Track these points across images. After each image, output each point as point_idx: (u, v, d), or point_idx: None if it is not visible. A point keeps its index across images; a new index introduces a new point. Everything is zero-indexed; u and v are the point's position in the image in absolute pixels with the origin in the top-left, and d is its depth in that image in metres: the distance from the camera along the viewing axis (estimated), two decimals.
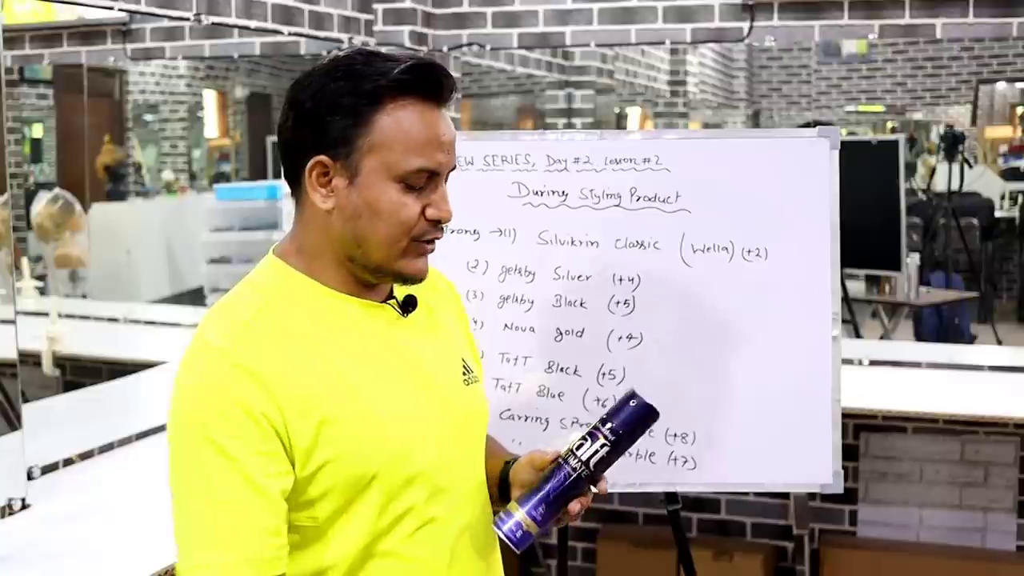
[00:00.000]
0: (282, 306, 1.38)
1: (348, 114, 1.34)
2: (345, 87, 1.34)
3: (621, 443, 1.44)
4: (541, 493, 1.42)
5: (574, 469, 1.42)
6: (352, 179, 1.35)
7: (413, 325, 1.47)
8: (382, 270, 1.40)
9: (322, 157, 1.35)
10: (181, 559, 1.30)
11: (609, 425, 1.44)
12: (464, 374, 1.52)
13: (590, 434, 1.44)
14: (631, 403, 1.45)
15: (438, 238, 1.42)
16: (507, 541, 1.43)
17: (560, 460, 1.44)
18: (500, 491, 1.55)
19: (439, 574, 1.45)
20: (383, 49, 1.44)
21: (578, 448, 1.43)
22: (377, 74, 1.34)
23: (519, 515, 1.42)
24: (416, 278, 1.41)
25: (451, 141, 1.39)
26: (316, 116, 1.35)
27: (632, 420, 1.45)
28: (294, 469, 1.31)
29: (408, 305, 1.47)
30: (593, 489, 1.45)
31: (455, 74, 3.87)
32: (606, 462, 1.43)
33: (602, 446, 1.43)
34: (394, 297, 1.47)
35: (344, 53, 1.40)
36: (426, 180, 1.37)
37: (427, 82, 1.35)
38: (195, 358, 1.35)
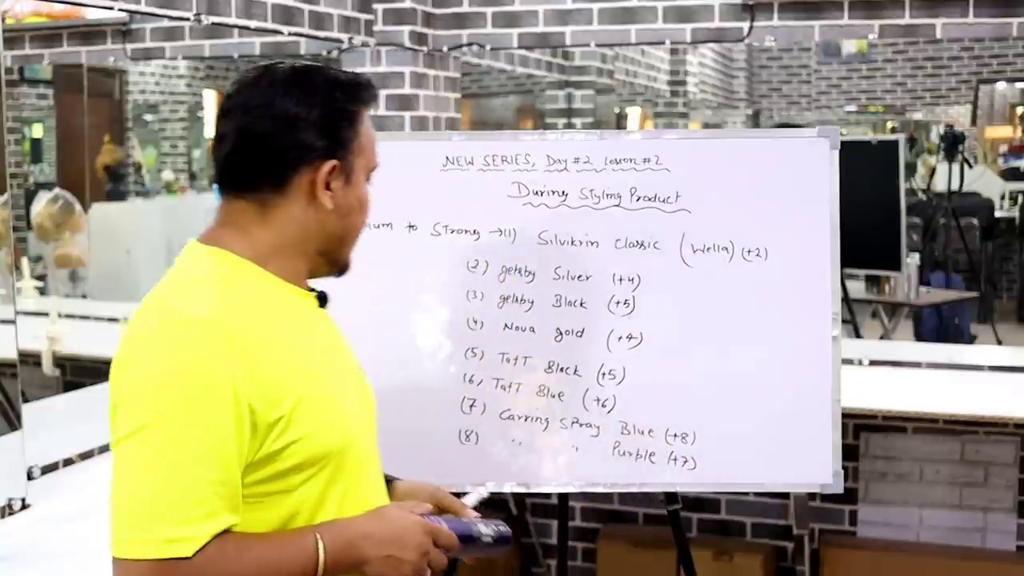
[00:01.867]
0: (243, 287, 1.42)
1: (352, 121, 1.47)
2: (343, 96, 1.47)
3: (495, 547, 1.61)
4: (453, 524, 1.55)
5: (476, 531, 1.57)
6: (348, 179, 1.48)
7: (324, 318, 1.57)
8: (339, 260, 1.54)
9: (334, 161, 1.45)
10: (129, 528, 1.29)
11: (498, 530, 1.61)
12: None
13: (490, 525, 1.61)
14: (509, 535, 1.63)
15: None
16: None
17: (475, 520, 1.60)
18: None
19: None
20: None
21: (479, 524, 1.59)
22: (358, 84, 1.50)
23: (442, 523, 1.53)
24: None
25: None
26: (327, 123, 1.44)
27: (505, 541, 1.62)
28: (264, 444, 1.35)
29: (324, 299, 1.56)
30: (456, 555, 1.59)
31: (455, 74, 3.88)
32: (486, 547, 1.60)
33: (491, 538, 1.59)
34: (313, 290, 1.54)
35: (304, 64, 1.49)
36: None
37: (373, 91, 1.53)
38: (168, 328, 1.35)
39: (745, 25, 3.50)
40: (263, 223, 1.45)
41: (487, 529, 1.58)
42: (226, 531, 1.31)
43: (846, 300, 4.85)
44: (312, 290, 1.53)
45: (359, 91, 1.49)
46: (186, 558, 1.26)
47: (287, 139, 1.43)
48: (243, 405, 1.32)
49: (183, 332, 1.33)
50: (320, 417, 1.41)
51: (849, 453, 3.55)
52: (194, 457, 1.29)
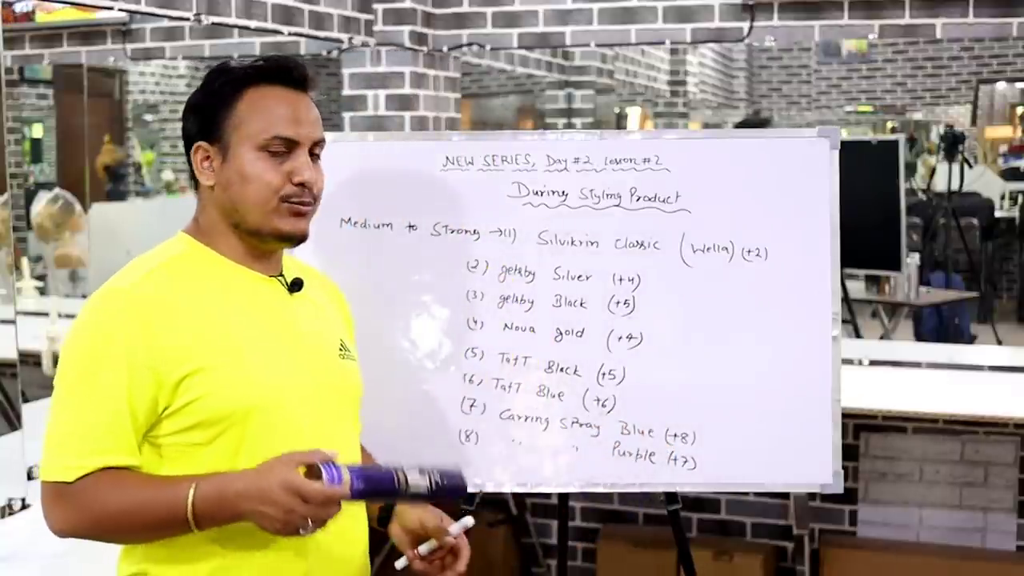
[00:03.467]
0: (182, 266, 1.62)
1: (216, 103, 1.62)
2: (213, 84, 1.64)
3: (432, 499, 1.57)
4: (370, 474, 1.53)
5: (399, 482, 1.53)
6: (225, 156, 1.61)
7: (297, 303, 1.70)
8: (261, 231, 1.62)
9: (202, 143, 1.63)
10: (43, 457, 1.54)
11: (438, 482, 1.56)
12: (340, 350, 1.74)
13: (428, 474, 1.56)
14: (459, 484, 1.59)
15: (307, 202, 1.63)
16: (324, 476, 1.48)
17: (395, 469, 1.55)
18: (380, 515, 1.78)
19: (287, 544, 1.59)
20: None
21: (412, 472, 1.55)
22: (238, 69, 1.63)
23: (345, 473, 1.49)
24: (294, 235, 1.64)
25: (306, 117, 1.63)
26: (195, 110, 1.65)
27: (449, 492, 1.58)
28: (172, 399, 1.53)
29: (295, 285, 1.70)
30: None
31: (455, 74, 3.88)
32: (416, 498, 1.57)
33: (426, 489, 1.55)
34: (283, 275, 1.69)
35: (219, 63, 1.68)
36: (286, 148, 1.61)
37: (277, 70, 1.63)
38: (94, 298, 1.59)
39: (745, 25, 3.50)
40: (199, 205, 1.68)
41: (419, 479, 1.55)
42: (113, 468, 1.51)
43: (846, 300, 4.85)
44: (281, 275, 1.69)
45: (246, 72, 1.62)
46: (67, 482, 1.50)
47: (183, 129, 1.67)
48: (138, 362, 1.51)
49: (100, 302, 1.57)
50: (223, 381, 1.54)
51: (849, 453, 3.55)
52: (87, 404, 1.52)
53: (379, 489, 1.54)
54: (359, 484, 1.49)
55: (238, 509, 1.48)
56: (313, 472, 1.46)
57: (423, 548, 1.73)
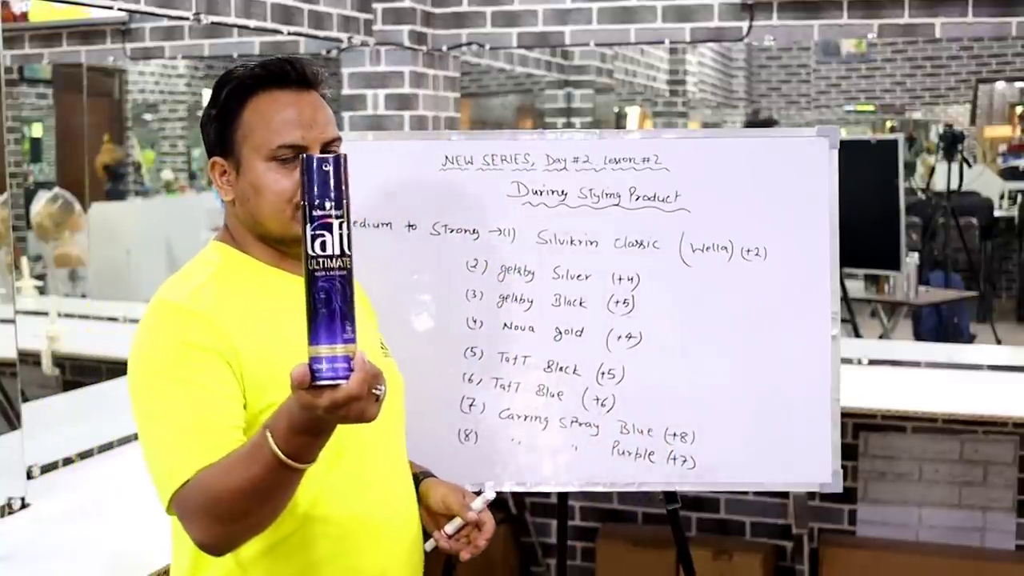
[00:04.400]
0: (229, 273, 1.60)
1: (224, 116, 1.59)
2: (219, 97, 1.59)
3: (349, 206, 1.29)
4: (336, 318, 1.27)
5: (330, 269, 1.27)
6: (239, 170, 1.59)
7: None
8: (285, 239, 1.59)
9: (217, 158, 1.60)
10: (161, 489, 1.46)
11: (331, 202, 1.28)
12: (382, 348, 1.73)
13: (317, 232, 1.27)
14: (332, 167, 1.28)
15: None
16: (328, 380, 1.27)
17: (310, 273, 1.27)
18: None
19: (357, 536, 1.59)
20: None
21: (316, 245, 1.27)
22: (235, 79, 1.59)
23: (323, 351, 1.26)
24: None
25: (313, 118, 1.58)
26: (207, 124, 1.62)
27: (343, 177, 1.29)
28: (246, 403, 1.49)
29: None
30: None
31: (454, 73, 3.88)
32: (350, 239, 1.29)
33: (340, 225, 1.28)
34: None
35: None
36: (295, 155, 1.54)
37: (275, 74, 1.58)
38: (152, 314, 1.54)
39: (744, 25, 3.50)
40: (226, 215, 1.66)
41: (321, 249, 1.28)
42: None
43: (845, 299, 4.86)
44: None
45: (247, 80, 1.57)
46: (176, 493, 1.43)
47: (204, 143, 1.63)
48: (217, 361, 1.48)
49: (159, 316, 1.53)
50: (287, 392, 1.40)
51: (848, 452, 3.55)
52: (176, 414, 1.46)
53: (332, 300, 1.27)
54: (327, 334, 1.26)
55: (308, 421, 1.32)
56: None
57: (449, 527, 1.74)
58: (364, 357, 1.27)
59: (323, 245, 1.27)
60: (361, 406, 1.28)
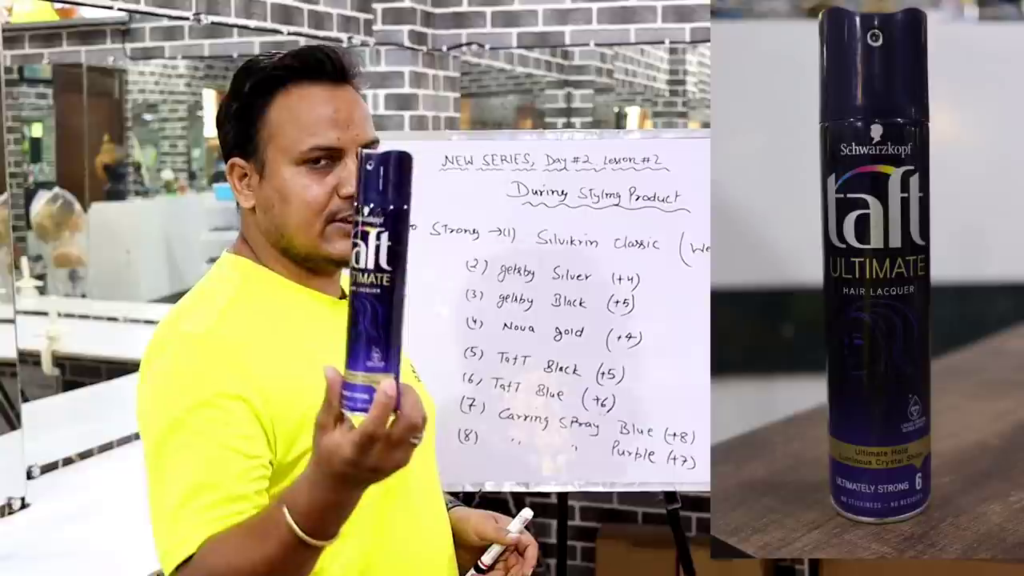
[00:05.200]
0: (252, 294, 1.39)
1: (246, 112, 1.39)
2: (241, 89, 1.39)
3: (399, 215, 1.13)
4: (360, 341, 1.11)
5: (361, 284, 1.12)
6: (262, 173, 1.38)
7: None
8: (311, 257, 1.39)
9: (237, 159, 1.40)
10: (164, 559, 1.25)
11: (369, 207, 1.11)
12: (413, 371, 1.55)
13: (355, 238, 1.12)
14: (376, 166, 1.12)
15: None
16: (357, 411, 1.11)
17: (351, 292, 1.13)
18: None
19: (396, 570, 1.41)
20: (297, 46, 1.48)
21: (353, 255, 1.12)
22: (265, 69, 1.38)
23: (358, 379, 1.11)
24: (345, 260, 1.28)
25: (349, 116, 1.38)
26: (226, 119, 1.41)
27: (392, 179, 1.12)
28: (276, 454, 1.30)
29: None
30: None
31: (454, 73, 3.88)
32: (395, 253, 1.14)
33: (379, 235, 1.12)
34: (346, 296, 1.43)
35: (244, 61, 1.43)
36: (329, 158, 1.37)
37: (309, 65, 1.38)
38: (167, 349, 1.33)
39: None
40: (243, 224, 1.45)
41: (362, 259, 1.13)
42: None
43: None
44: (344, 296, 1.43)
45: (274, 72, 1.38)
46: (188, 559, 1.23)
47: (219, 141, 1.43)
48: (238, 403, 1.27)
49: (175, 349, 1.33)
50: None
51: None
52: (188, 463, 1.26)
53: (385, 319, 1.13)
54: (371, 359, 1.11)
55: (328, 495, 1.16)
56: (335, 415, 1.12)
57: (487, 557, 1.55)
58: (390, 392, 1.08)
59: (357, 256, 1.12)
60: (380, 449, 1.10)
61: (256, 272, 1.41)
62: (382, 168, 1.11)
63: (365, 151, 1.12)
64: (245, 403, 1.28)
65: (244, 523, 1.22)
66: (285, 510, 1.16)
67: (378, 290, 1.12)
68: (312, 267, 1.41)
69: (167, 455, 1.28)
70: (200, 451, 1.26)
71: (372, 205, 1.11)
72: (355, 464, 1.11)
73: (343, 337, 1.13)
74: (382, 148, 1.11)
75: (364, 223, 1.11)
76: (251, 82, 1.39)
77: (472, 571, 1.55)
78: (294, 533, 1.15)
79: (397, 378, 1.10)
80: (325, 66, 1.39)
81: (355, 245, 1.11)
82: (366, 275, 1.11)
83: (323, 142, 1.36)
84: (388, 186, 1.11)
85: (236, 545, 1.21)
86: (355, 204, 1.12)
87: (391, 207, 1.11)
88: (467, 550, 1.56)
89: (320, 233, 1.37)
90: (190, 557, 1.22)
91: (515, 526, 1.55)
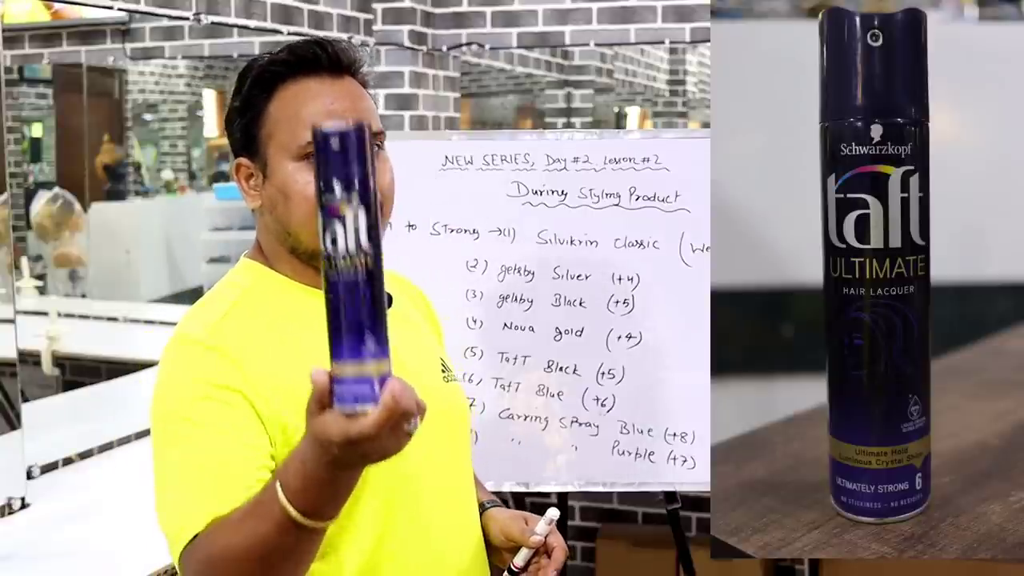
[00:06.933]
0: (256, 300, 1.39)
1: (247, 111, 1.37)
2: (241, 89, 1.38)
3: (369, 190, 1.04)
4: (351, 331, 1.05)
5: (343, 270, 1.05)
6: (265, 172, 1.37)
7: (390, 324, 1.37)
8: (317, 254, 1.29)
9: (242, 159, 1.39)
10: (171, 543, 1.27)
11: (341, 185, 1.03)
12: (443, 372, 1.51)
13: (327, 223, 1.04)
14: (341, 141, 1.03)
15: None
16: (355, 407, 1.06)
17: (324, 274, 1.06)
18: None
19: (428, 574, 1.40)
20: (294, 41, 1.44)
21: (327, 239, 1.04)
22: (263, 66, 1.37)
23: (345, 370, 1.05)
24: None
25: (347, 108, 1.35)
26: (230, 120, 1.40)
27: (357, 152, 1.03)
28: (276, 455, 1.29)
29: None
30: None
31: (454, 73, 3.88)
32: (374, 230, 1.05)
33: (356, 215, 1.04)
34: None
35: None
36: None
37: (304, 59, 1.36)
38: (171, 350, 1.35)
39: None
40: (257, 230, 1.44)
41: (340, 242, 1.06)
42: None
43: None
44: None
45: (271, 68, 1.36)
46: (186, 547, 1.25)
47: (228, 141, 1.43)
48: (237, 401, 1.28)
49: (175, 352, 1.34)
50: None
51: None
52: (186, 458, 1.28)
53: (360, 308, 1.06)
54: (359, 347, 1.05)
55: (320, 472, 1.13)
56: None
57: (518, 559, 1.52)
58: (396, 385, 1.05)
59: (334, 240, 1.04)
60: (381, 444, 1.07)
61: (265, 276, 1.41)
62: (347, 142, 1.03)
63: (321, 129, 1.03)
64: (243, 397, 1.29)
65: (244, 504, 1.22)
66: (279, 489, 1.14)
67: (363, 272, 1.05)
68: (318, 264, 1.33)
69: (168, 446, 1.29)
70: (201, 440, 1.27)
71: (343, 182, 1.03)
72: (345, 448, 1.07)
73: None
74: (324, 127, 1.03)
75: (338, 204, 1.03)
76: (250, 80, 1.38)
77: (505, 574, 1.53)
78: (287, 512, 1.13)
79: (389, 364, 1.06)
80: (320, 59, 1.36)
81: (327, 231, 1.03)
82: (347, 260, 1.04)
83: None
84: (354, 161, 1.03)
85: (234, 525, 1.20)
86: (318, 186, 1.04)
87: (364, 182, 1.03)
88: (495, 551, 1.54)
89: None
90: (194, 539, 1.23)
91: (540, 528, 1.52)
